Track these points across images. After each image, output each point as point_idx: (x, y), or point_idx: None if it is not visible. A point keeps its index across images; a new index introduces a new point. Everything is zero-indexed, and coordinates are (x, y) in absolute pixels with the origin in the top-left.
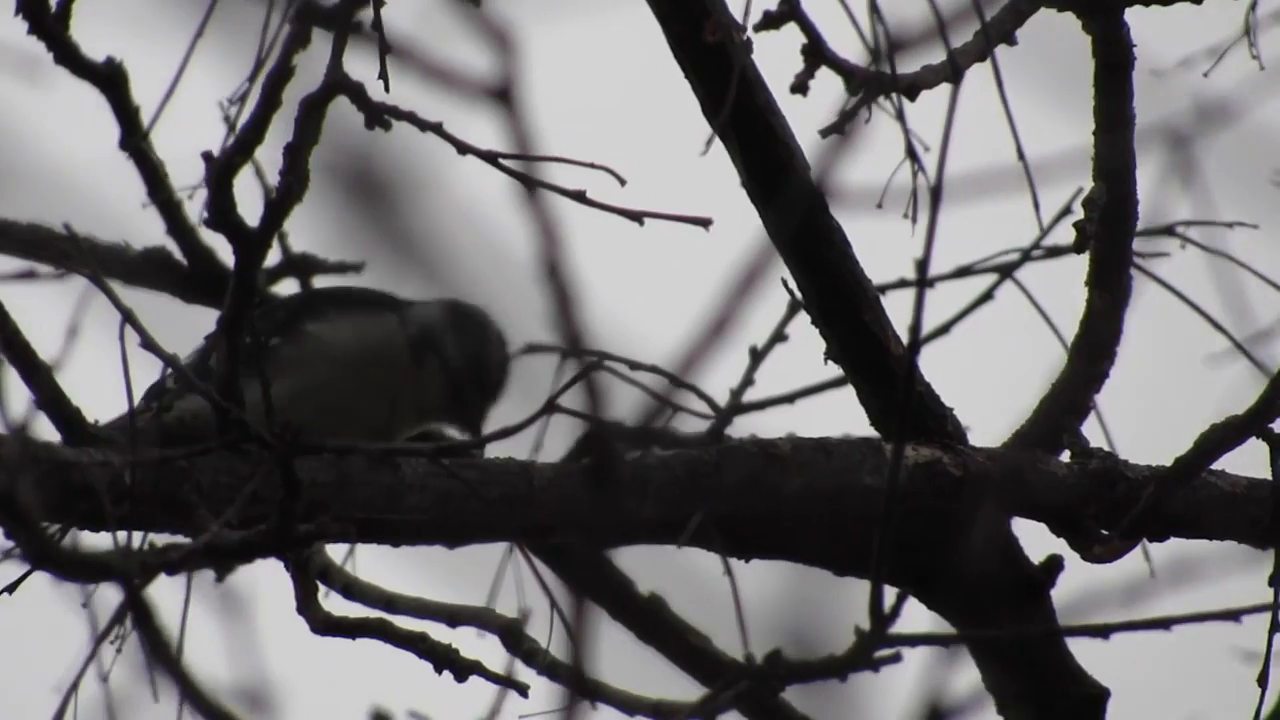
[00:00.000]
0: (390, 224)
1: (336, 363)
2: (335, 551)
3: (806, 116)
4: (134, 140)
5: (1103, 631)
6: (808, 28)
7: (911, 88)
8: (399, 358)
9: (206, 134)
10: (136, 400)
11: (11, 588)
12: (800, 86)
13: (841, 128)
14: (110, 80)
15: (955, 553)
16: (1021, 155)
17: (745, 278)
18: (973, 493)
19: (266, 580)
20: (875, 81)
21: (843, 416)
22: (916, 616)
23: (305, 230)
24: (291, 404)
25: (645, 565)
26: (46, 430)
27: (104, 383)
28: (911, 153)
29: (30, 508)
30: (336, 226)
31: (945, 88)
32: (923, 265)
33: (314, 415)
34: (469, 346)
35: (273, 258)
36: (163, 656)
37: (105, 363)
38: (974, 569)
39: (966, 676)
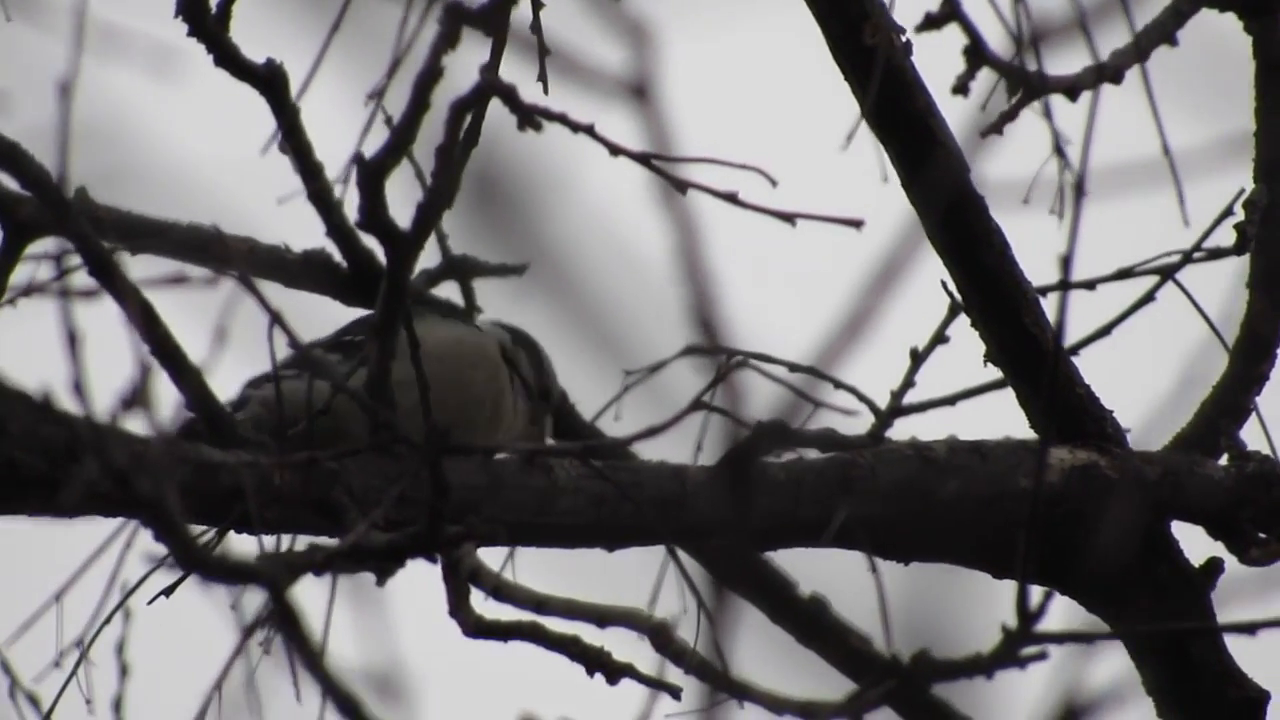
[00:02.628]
0: (521, 227)
1: (432, 358)
2: (492, 556)
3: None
4: (293, 141)
5: (1249, 629)
6: (969, 28)
7: (1072, 88)
8: (496, 369)
9: (336, 133)
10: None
11: (168, 591)
12: (962, 88)
13: (1001, 128)
14: (270, 82)
15: (1111, 555)
16: (1168, 152)
17: (884, 274)
18: (1128, 495)
19: (422, 585)
20: (1035, 82)
21: (1004, 419)
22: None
23: (465, 233)
24: (396, 389)
25: (807, 568)
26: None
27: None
28: (1060, 150)
29: (177, 513)
30: (470, 230)
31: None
32: (1066, 261)
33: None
34: (538, 367)
35: (434, 260)
36: (308, 658)
37: (252, 364)
38: (1130, 571)
39: (1112, 674)
